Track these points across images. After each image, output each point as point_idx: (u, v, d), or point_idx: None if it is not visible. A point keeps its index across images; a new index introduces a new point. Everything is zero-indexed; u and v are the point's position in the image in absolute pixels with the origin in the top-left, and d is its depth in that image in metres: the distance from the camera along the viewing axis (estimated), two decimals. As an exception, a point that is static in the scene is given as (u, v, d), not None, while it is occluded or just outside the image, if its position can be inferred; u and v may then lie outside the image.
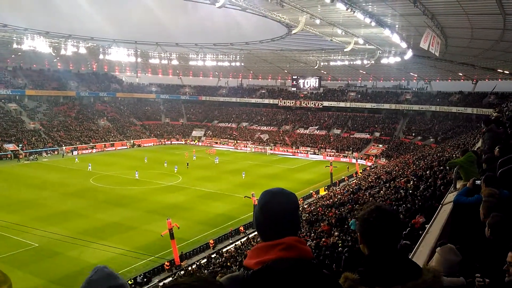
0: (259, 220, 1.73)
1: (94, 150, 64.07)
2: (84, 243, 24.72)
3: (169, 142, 75.33)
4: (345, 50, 51.11)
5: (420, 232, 8.61)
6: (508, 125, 11.23)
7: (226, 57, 71.41)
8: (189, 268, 22.61)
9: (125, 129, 75.00)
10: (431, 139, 59.01)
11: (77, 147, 62.34)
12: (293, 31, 46.73)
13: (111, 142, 67.89)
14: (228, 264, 20.67)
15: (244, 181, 42.34)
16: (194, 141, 76.28)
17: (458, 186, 7.87)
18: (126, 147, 68.64)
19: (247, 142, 71.92)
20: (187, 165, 48.25)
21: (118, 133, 72.38)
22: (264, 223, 1.71)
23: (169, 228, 23.20)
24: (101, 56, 67.32)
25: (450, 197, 8.19)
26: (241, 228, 29.16)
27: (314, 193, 39.11)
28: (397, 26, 34.57)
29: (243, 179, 43.22)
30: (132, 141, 70.98)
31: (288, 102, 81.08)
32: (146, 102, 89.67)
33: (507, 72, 54.36)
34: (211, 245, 26.09)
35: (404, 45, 39.41)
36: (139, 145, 70.89)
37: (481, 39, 31.37)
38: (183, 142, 75.94)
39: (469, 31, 29.43)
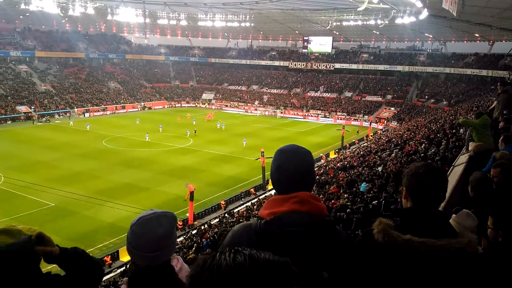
0: (274, 178, 1.77)
1: (108, 112, 64.51)
2: (99, 202, 25.47)
3: (179, 105, 75.34)
4: (358, 9, 49.68)
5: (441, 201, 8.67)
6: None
7: (236, 17, 69.98)
8: (202, 227, 23.24)
9: (135, 92, 75.01)
10: (444, 102, 58.04)
11: (89, 109, 62.76)
12: (305, -11, 45.32)
13: (122, 105, 68.16)
14: (241, 220, 21.18)
15: (254, 144, 42.49)
16: (204, 104, 76.13)
17: (470, 148, 7.82)
18: (137, 109, 68.92)
19: (257, 105, 71.53)
20: (195, 132, 47.41)
21: (129, 96, 72.50)
22: (279, 181, 1.75)
23: (190, 191, 23.72)
24: (109, 17, 66.48)
25: (462, 158, 8.18)
26: (252, 190, 29.62)
27: (324, 156, 39.24)
28: (413, -17, 33.24)
29: (247, 144, 42.85)
30: (143, 103, 71.16)
31: (299, 64, 79.74)
32: (155, 64, 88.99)
33: (526, 32, 52.41)
34: (222, 206, 26.65)
35: (419, 4, 38.13)
36: (150, 108, 71.11)
37: (501, -2, 30.05)
38: (194, 105, 75.87)
39: (489, -11, 28.20)
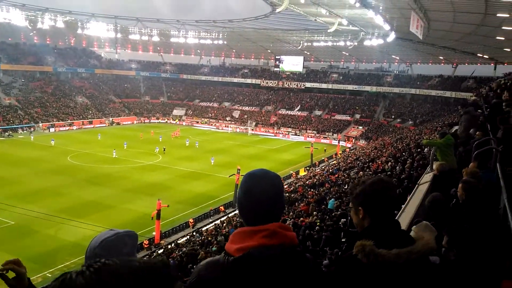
0: (243, 204, 1.67)
1: (74, 127, 62.70)
2: (61, 220, 24.41)
3: (148, 121, 74.21)
4: (328, 30, 51.03)
5: (396, 212, 8.77)
6: (485, 109, 11.42)
7: (209, 34, 70.34)
8: (168, 246, 22.64)
9: (104, 107, 73.49)
10: (410, 122, 59.91)
11: (54, 124, 60.83)
12: (278, 10, 46.25)
13: (89, 120, 66.54)
14: (209, 239, 20.76)
15: (225, 161, 42.28)
16: (175, 120, 75.41)
17: (434, 167, 7.97)
18: (104, 124, 67.41)
19: (228, 122, 71.53)
20: (164, 150, 45.93)
21: (97, 111, 70.92)
22: (247, 208, 1.65)
23: (157, 209, 23.12)
24: (79, 31, 65.38)
25: (426, 177, 8.32)
26: (221, 207, 29.25)
27: (294, 173, 39.42)
28: (381, 7, 34.54)
29: (218, 161, 42.51)
30: (111, 119, 69.71)
31: (271, 82, 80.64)
32: (125, 79, 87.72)
33: (486, 56, 55.28)
34: (190, 224, 26.12)
35: (387, 27, 39.50)
36: (118, 123, 69.72)
37: (463, 23, 31.65)
38: (164, 121, 75.02)
39: (451, 15, 29.63)
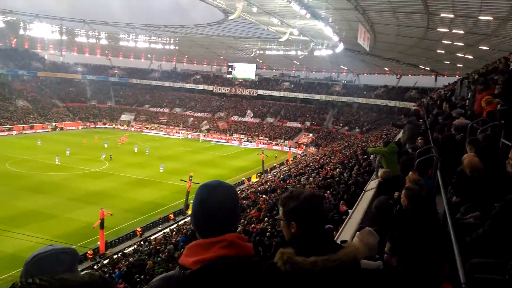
0: (198, 216, 1.62)
1: (14, 132, 58.86)
2: (-2, 231, 22.77)
3: (93, 126, 71.26)
4: (280, 40, 51.85)
5: (344, 217, 8.96)
6: (427, 118, 12.04)
7: (160, 39, 68.99)
8: (114, 256, 21.75)
9: (46, 111, 69.67)
10: (357, 130, 62.17)
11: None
12: (230, 17, 46.33)
13: (31, 124, 62.80)
14: (158, 248, 20.18)
15: (175, 168, 41.48)
16: (123, 125, 73.01)
17: (379, 174, 8.23)
18: (47, 130, 63.88)
19: (179, 128, 70.42)
20: (110, 157, 44.19)
21: (39, 115, 67.09)
22: (203, 220, 1.61)
23: (101, 218, 22.12)
24: (21, 32, 61.60)
25: (372, 184, 8.57)
26: (171, 215, 28.60)
27: (246, 180, 39.47)
28: (330, 19, 35.63)
29: (168, 168, 41.66)
30: (54, 124, 66.19)
31: (223, 89, 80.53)
32: (70, 82, 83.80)
33: (428, 68, 58.81)
34: (138, 233, 25.28)
35: (336, 38, 40.81)
36: (61, 128, 66.35)
37: (407, 36, 33.40)
38: (112, 126, 72.42)
39: (396, 28, 31.18)
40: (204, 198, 1.61)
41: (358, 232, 3.16)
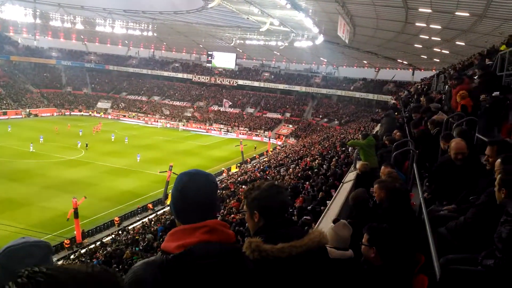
0: (178, 204, 1.66)
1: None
2: (-33, 221, 22.10)
3: (68, 113, 69.60)
4: (260, 29, 51.68)
5: (322, 208, 9.12)
6: (404, 112, 12.30)
7: (138, 25, 67.43)
8: (91, 246, 21.52)
9: (20, 97, 67.54)
10: (336, 122, 62.87)
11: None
12: (210, 5, 45.84)
13: (4, 111, 60.85)
14: (136, 237, 20.08)
15: (154, 157, 41.08)
16: (99, 113, 71.56)
17: (357, 166, 8.41)
18: (21, 116, 62.06)
19: (158, 117, 69.59)
20: (86, 146, 43.03)
21: (12, 101, 65.00)
22: (182, 206, 1.65)
23: (74, 208, 21.74)
24: (-8, 14, 59.13)
25: (350, 176, 8.74)
26: (149, 205, 28.41)
27: (225, 170, 39.47)
28: (310, 10, 35.67)
29: (146, 157, 41.26)
30: (28, 110, 64.33)
31: (203, 78, 79.75)
32: (45, 68, 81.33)
33: (405, 62, 59.75)
34: (116, 222, 25.04)
35: (316, 29, 40.94)
36: (36, 115, 64.56)
37: (385, 30, 33.79)
38: (88, 114, 70.89)
39: (375, 21, 31.48)
40: (183, 185, 1.65)
41: (332, 225, 3.26)
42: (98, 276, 0.79)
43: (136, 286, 1.46)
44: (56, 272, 0.76)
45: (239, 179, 30.68)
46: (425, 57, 46.45)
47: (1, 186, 28.81)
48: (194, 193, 1.63)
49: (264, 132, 63.48)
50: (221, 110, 71.69)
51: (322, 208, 9.19)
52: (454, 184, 4.27)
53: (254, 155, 47.68)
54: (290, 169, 25.33)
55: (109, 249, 19.45)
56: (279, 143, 58.87)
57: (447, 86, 10.77)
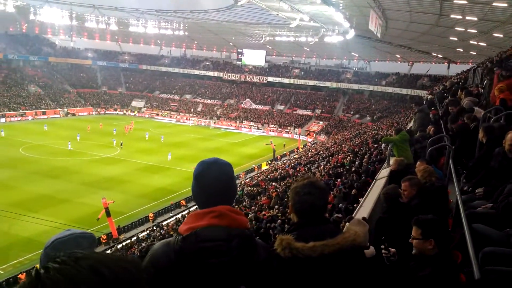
0: (194, 189, 1.78)
1: (29, 118, 59.62)
2: (14, 215, 23.24)
3: (103, 112, 71.68)
4: (290, 25, 51.40)
5: (355, 205, 9.04)
6: (439, 107, 11.95)
7: (169, 25, 68.71)
8: (127, 241, 22.18)
9: (58, 97, 70.31)
10: (368, 118, 61.70)
11: (5, 114, 57.60)
12: (240, 3, 46.05)
13: (43, 110, 63.54)
14: (171, 233, 20.51)
15: (186, 154, 41.78)
16: (134, 111, 73.44)
17: (391, 162, 8.27)
18: (59, 115, 64.61)
19: (190, 115, 70.63)
20: (121, 144, 44.28)
21: (51, 101, 67.79)
22: (198, 193, 1.76)
23: (104, 208, 22.46)
24: (32, 17, 61.82)
25: (383, 172, 8.61)
26: (183, 201, 28.95)
27: (256, 167, 39.63)
28: (341, 4, 35.16)
29: (178, 155, 41.98)
30: (66, 109, 66.90)
31: (233, 75, 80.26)
32: (81, 68, 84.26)
33: (440, 56, 57.84)
34: (150, 218, 25.68)
35: (347, 24, 40.31)
36: (73, 114, 67.04)
37: (419, 23, 32.88)
38: (122, 113, 72.88)
39: (408, 14, 30.69)
40: (199, 172, 1.74)
41: (347, 223, 3.25)
42: (126, 257, 0.86)
43: (152, 265, 1.57)
44: (89, 252, 0.83)
45: (269, 176, 30.74)
46: (461, 50, 44.81)
47: (41, 183, 30.13)
48: (208, 181, 1.71)
49: (294, 129, 63.19)
50: (253, 107, 71.88)
51: (354, 205, 9.11)
52: (503, 176, 4.14)
53: (285, 152, 47.59)
54: (321, 166, 25.15)
55: (144, 244, 20.00)
56: (310, 140, 58.46)
57: (486, 80, 10.37)
